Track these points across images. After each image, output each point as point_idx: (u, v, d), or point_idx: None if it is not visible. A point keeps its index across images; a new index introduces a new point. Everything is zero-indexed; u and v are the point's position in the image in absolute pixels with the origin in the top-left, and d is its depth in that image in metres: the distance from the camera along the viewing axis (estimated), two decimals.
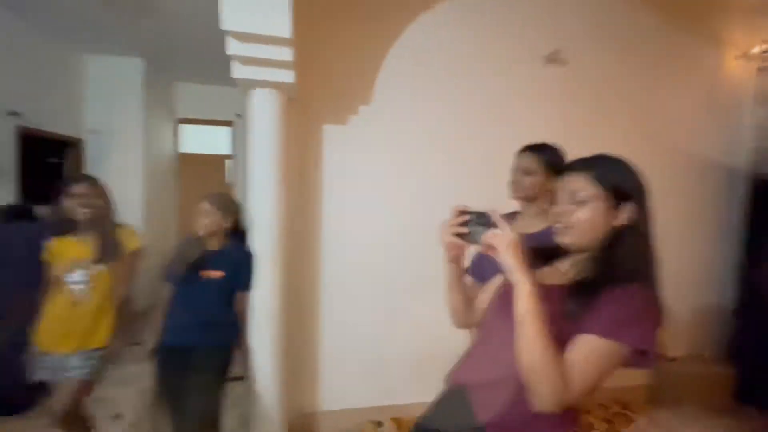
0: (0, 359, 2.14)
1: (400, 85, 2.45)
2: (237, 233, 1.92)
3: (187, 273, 1.78)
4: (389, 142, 2.46)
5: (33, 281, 1.74)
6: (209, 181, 5.23)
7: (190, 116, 5.18)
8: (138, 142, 4.23)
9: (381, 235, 2.48)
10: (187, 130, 5.31)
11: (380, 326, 2.51)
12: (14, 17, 3.23)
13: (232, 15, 1.60)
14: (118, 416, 2.44)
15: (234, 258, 1.86)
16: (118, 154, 4.17)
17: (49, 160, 3.78)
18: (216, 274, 1.80)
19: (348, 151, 2.42)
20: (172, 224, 5.01)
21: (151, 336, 1.84)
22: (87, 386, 1.69)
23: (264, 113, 1.88)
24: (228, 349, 1.85)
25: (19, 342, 1.73)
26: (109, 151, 4.17)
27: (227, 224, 1.85)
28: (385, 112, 2.44)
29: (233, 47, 1.69)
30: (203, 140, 5.46)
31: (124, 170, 4.07)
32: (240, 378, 1.94)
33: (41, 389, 1.77)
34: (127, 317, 1.81)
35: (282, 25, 1.64)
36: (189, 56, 4.17)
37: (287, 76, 1.81)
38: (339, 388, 2.48)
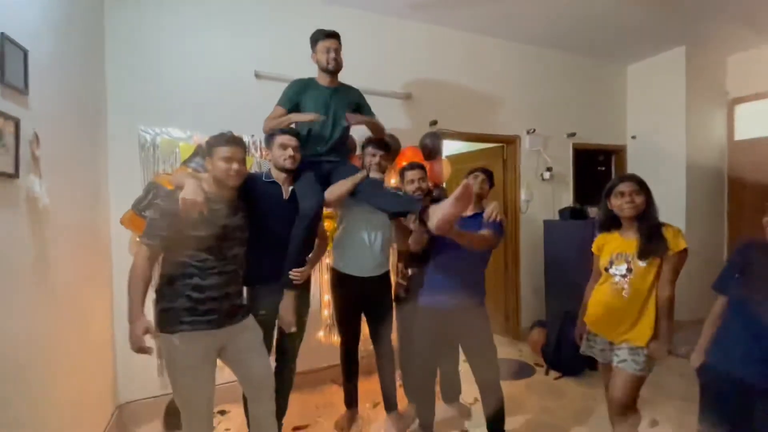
0: (565, 333, 2.72)
1: None
2: None
3: (756, 290, 1.40)
4: None
5: (586, 270, 2.03)
6: None
7: (748, 93, 4.11)
8: (680, 138, 3.94)
9: None
10: (743, 111, 4.25)
11: None
12: (557, 52, 4.01)
13: None
14: (654, 422, 2.36)
15: None
16: (659, 154, 4.10)
17: (598, 168, 4.35)
18: None
19: None
20: (719, 225, 4.22)
21: (695, 352, 1.62)
22: (637, 382, 1.74)
23: None
24: None
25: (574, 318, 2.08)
26: (650, 153, 4.18)
27: None
28: None
29: None
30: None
31: (665, 170, 3.93)
32: None
33: (591, 360, 2.01)
34: (668, 321, 1.69)
35: None
36: (738, 23, 3.35)
37: None
38: None
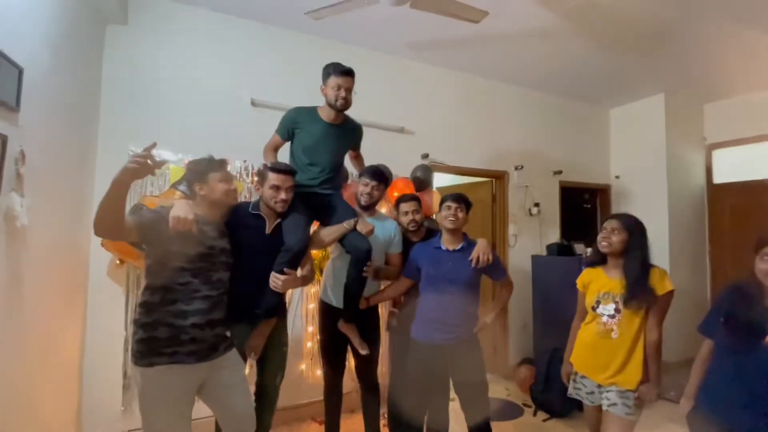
0: (553, 371, 2.67)
1: None
2: None
3: (742, 335, 1.40)
4: None
5: (574, 306, 2.00)
6: (754, 214, 4.03)
7: (724, 139, 4.32)
8: (661, 180, 4.07)
9: None
10: (720, 156, 4.44)
11: None
12: (544, 94, 4.20)
13: None
14: None
15: None
16: (641, 194, 4.23)
17: (584, 206, 4.45)
18: None
19: None
20: (701, 266, 4.30)
21: (683, 397, 1.59)
22: (628, 426, 1.69)
23: None
24: None
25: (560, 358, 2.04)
26: (633, 193, 4.31)
27: None
28: None
29: None
30: (744, 164, 4.33)
31: (647, 210, 4.02)
32: None
33: (580, 401, 1.94)
34: (656, 364, 1.67)
35: None
36: (715, 73, 3.57)
37: None
38: None
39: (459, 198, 1.98)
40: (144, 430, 1.47)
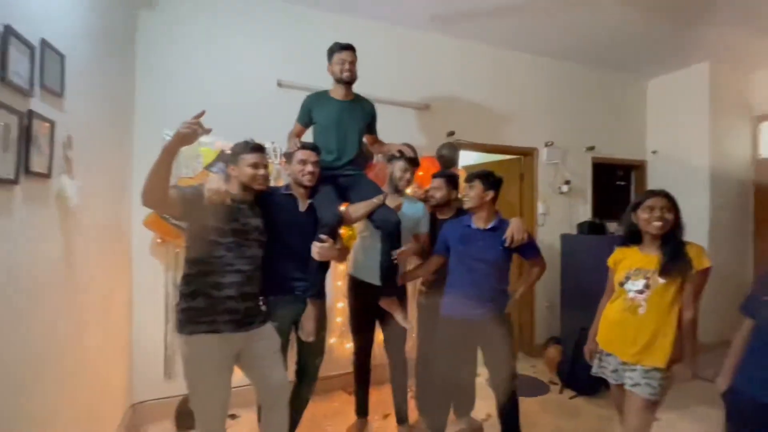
0: (581, 351, 2.64)
1: None
2: None
3: None
4: None
5: (603, 286, 1.97)
6: None
7: None
8: (703, 154, 3.86)
9: None
10: None
11: None
12: (578, 66, 3.99)
13: None
14: None
15: None
16: (681, 170, 4.02)
17: (617, 183, 4.28)
18: None
19: None
20: (744, 244, 4.09)
21: (720, 376, 1.56)
22: (651, 407, 1.68)
23: None
24: None
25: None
26: (671, 169, 4.11)
27: None
28: None
29: None
30: None
31: (687, 187, 3.82)
32: None
33: (605, 381, 1.92)
34: (692, 342, 1.63)
35: None
36: (764, 40, 3.29)
37: None
38: None
39: (475, 176, 1.98)
40: (190, 396, 1.59)
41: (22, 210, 1.27)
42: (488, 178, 1.98)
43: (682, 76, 4.04)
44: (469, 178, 2.00)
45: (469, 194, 1.96)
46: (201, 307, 1.53)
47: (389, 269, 2.02)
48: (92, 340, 1.83)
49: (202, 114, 1.38)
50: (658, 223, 1.66)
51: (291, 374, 1.92)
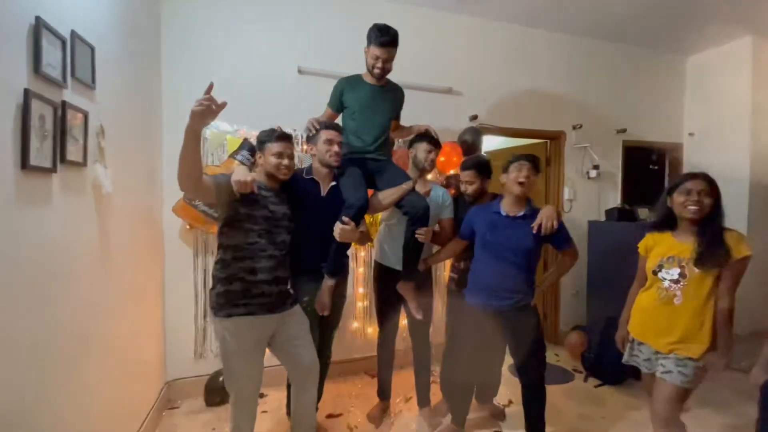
0: (607, 340, 2.59)
1: None
2: None
3: None
4: None
5: (632, 275, 1.89)
6: None
7: None
8: (744, 136, 3.63)
9: None
10: None
11: None
12: (609, 44, 3.79)
13: None
14: None
15: None
16: (719, 154, 3.80)
17: (650, 167, 4.08)
18: None
19: None
20: None
21: (756, 366, 1.50)
22: (682, 395, 1.63)
23: None
24: None
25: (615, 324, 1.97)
26: (709, 153, 3.89)
27: None
28: None
29: None
30: None
31: (726, 171, 3.62)
32: None
33: (634, 370, 1.87)
34: (728, 332, 1.56)
35: None
36: None
37: None
38: None
39: (532, 158, 1.87)
40: (224, 375, 1.67)
41: (60, 198, 1.33)
42: (537, 163, 1.91)
43: (724, 52, 3.78)
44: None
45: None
46: (237, 290, 1.59)
47: (413, 252, 2.02)
48: (129, 322, 1.93)
49: (210, 87, 1.36)
50: (694, 207, 1.57)
51: None
